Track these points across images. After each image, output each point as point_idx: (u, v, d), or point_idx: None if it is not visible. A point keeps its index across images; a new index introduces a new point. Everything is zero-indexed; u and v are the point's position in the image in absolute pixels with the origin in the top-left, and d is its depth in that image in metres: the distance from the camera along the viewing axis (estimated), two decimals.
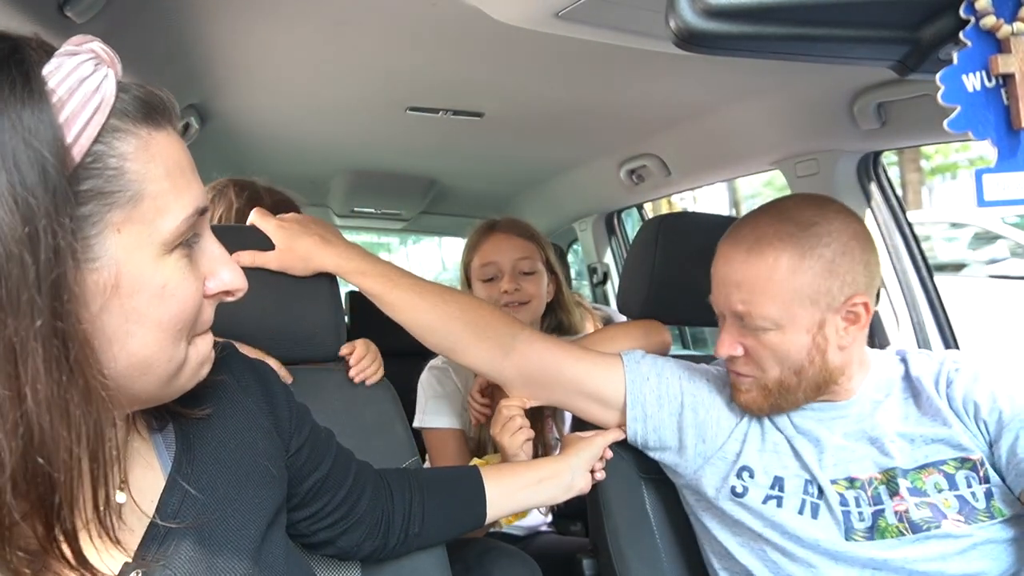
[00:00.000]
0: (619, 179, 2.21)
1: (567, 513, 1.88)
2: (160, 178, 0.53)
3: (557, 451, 1.65)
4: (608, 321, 2.09)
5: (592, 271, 2.91)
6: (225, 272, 0.60)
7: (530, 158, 2.26)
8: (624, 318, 1.46)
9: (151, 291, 0.53)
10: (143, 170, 0.52)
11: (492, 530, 1.67)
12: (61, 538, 0.51)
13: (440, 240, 5.24)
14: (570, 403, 1.18)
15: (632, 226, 2.81)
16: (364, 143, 2.13)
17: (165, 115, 0.55)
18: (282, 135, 2.01)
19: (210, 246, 0.60)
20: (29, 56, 0.48)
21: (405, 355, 1.66)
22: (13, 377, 0.46)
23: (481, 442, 1.51)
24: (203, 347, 0.60)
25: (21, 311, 0.45)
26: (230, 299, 0.62)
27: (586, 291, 2.98)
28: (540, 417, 1.62)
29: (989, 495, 0.97)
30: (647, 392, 1.13)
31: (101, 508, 0.53)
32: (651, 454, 1.16)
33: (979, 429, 0.99)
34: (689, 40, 0.57)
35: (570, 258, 3.22)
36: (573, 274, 3.28)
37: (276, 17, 1.22)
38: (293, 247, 1.05)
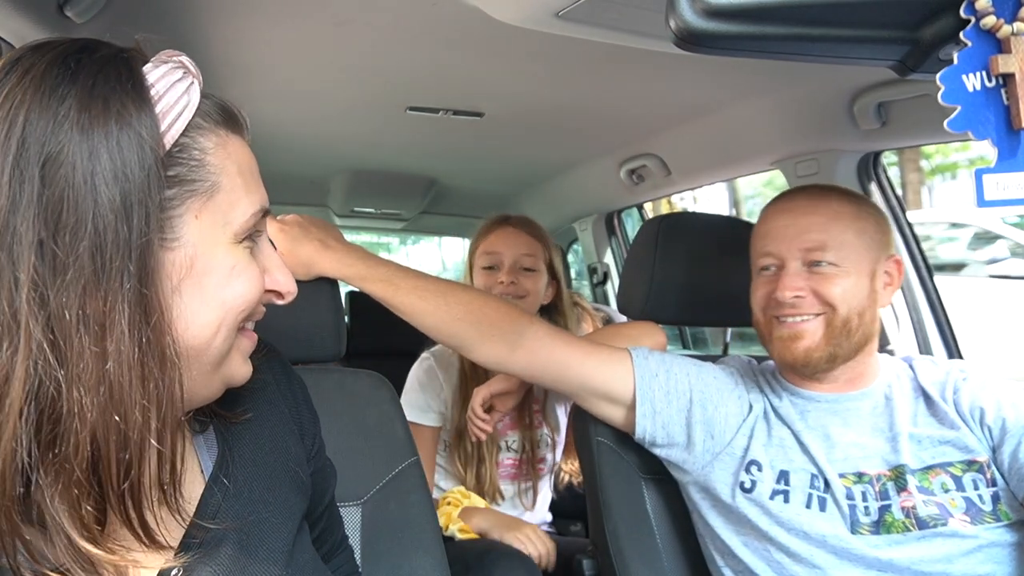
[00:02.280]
0: (619, 179, 2.21)
1: (567, 513, 1.88)
2: (234, 174, 0.59)
3: (551, 451, 1.66)
4: (608, 321, 2.09)
5: (592, 271, 2.90)
6: (279, 274, 0.64)
7: (530, 158, 2.26)
8: (624, 318, 1.46)
9: (221, 272, 0.58)
10: (220, 165, 0.58)
11: None
12: (130, 502, 0.54)
13: (440, 240, 5.23)
14: (577, 398, 1.19)
15: (632, 226, 2.80)
16: (364, 143, 2.13)
17: (240, 123, 0.62)
18: (282, 135, 2.01)
19: (267, 247, 0.65)
20: (133, 56, 0.55)
21: (404, 355, 1.67)
22: (100, 337, 0.51)
23: (480, 451, 1.52)
24: (247, 343, 0.65)
25: (113, 275, 0.51)
26: (280, 302, 0.66)
27: (586, 291, 2.98)
28: (528, 410, 1.62)
29: (996, 498, 0.98)
30: (656, 388, 1.13)
31: (167, 479, 0.56)
32: (658, 451, 1.16)
33: (984, 433, 1.01)
34: (689, 40, 0.57)
35: (570, 258, 3.22)
36: (573, 274, 3.28)
37: (276, 17, 1.22)
38: (295, 252, 1.05)
